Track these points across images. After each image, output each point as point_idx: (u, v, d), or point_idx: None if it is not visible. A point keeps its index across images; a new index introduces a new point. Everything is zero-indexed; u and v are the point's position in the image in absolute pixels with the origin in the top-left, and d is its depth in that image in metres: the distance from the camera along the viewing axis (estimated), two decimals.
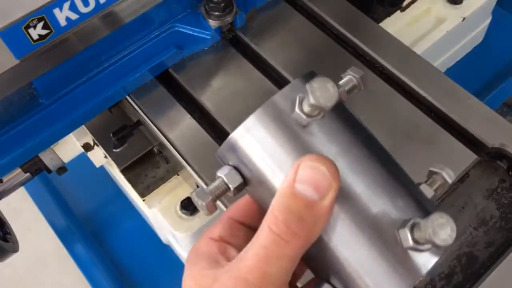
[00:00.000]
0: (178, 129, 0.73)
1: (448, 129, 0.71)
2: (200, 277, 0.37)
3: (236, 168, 0.37)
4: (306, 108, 0.35)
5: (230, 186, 0.37)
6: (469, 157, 0.69)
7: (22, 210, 1.32)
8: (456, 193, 0.69)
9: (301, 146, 0.35)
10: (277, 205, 0.33)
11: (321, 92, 0.33)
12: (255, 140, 0.36)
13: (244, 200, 0.43)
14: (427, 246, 0.33)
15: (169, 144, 0.72)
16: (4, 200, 0.83)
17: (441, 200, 0.68)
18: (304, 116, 0.35)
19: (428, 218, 0.32)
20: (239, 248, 0.38)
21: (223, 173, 0.37)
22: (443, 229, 0.32)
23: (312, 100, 0.33)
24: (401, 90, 0.75)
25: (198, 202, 0.37)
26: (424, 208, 0.36)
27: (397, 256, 0.34)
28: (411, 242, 0.33)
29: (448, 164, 0.68)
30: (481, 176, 0.70)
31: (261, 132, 0.36)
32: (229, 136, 0.37)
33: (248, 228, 0.42)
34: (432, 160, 0.70)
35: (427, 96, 0.73)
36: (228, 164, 0.38)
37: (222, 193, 0.38)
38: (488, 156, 0.70)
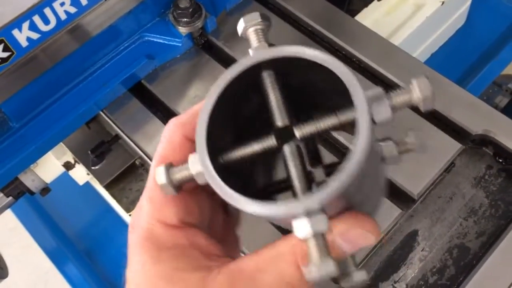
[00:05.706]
0: (155, 142, 0.72)
1: (430, 119, 0.69)
2: (181, 282, 0.30)
3: None
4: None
5: None
6: (454, 146, 0.67)
7: (20, 228, 1.30)
8: (443, 183, 0.67)
9: None
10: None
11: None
12: None
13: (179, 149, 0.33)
14: None
15: (147, 159, 0.71)
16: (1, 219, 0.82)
17: (428, 192, 0.66)
18: None
19: None
20: (201, 228, 0.33)
21: None
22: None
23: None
24: (380, 82, 0.74)
25: None
26: None
27: None
28: None
29: (433, 155, 0.67)
30: (467, 164, 0.68)
31: None
32: None
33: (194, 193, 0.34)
34: (416, 153, 0.69)
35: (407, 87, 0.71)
36: None
37: None
38: (473, 143, 0.69)
